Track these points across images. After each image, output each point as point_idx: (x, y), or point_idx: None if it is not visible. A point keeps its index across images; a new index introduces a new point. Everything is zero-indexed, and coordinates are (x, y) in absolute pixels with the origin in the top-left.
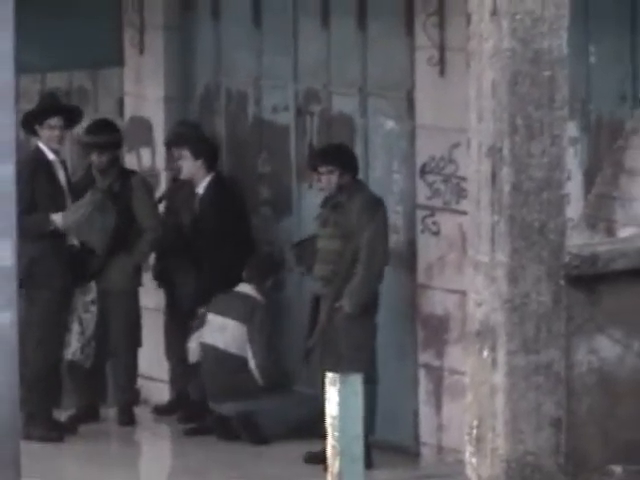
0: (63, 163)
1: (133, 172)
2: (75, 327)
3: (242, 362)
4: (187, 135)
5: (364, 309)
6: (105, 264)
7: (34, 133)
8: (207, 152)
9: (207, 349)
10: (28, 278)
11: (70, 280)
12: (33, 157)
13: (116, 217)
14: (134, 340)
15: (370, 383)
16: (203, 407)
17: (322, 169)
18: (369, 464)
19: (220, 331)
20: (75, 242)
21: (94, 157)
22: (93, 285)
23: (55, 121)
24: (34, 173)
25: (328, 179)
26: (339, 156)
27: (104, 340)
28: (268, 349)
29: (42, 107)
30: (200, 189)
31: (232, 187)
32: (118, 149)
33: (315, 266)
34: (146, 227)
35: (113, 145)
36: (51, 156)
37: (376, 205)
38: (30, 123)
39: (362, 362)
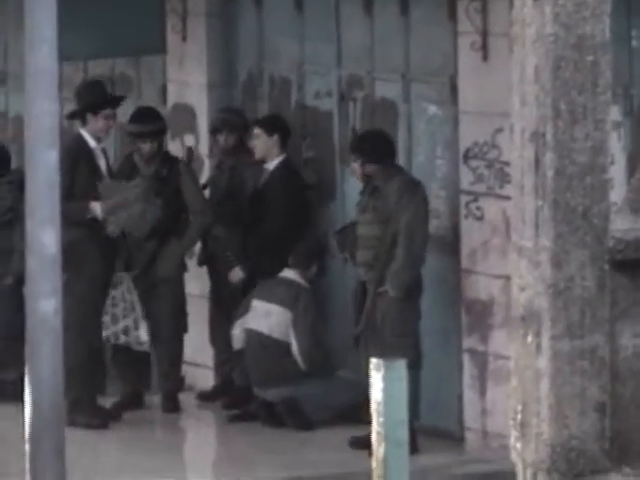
0: (104, 151)
1: (177, 158)
2: (113, 311)
3: (286, 347)
4: (231, 121)
5: (407, 293)
6: (154, 251)
7: (82, 121)
8: (281, 129)
9: (251, 335)
10: (65, 264)
11: (107, 267)
12: (75, 145)
13: (164, 204)
14: (179, 326)
15: (414, 368)
16: (247, 393)
17: (351, 157)
18: (414, 449)
19: (265, 317)
20: (113, 229)
21: (139, 145)
22: (124, 274)
23: (109, 111)
24: (76, 161)
25: (353, 167)
26: (362, 145)
27: (148, 326)
28: (311, 335)
29: (102, 98)
30: (270, 165)
31: (300, 174)
32: (162, 136)
33: (357, 252)
34: (195, 212)
35: (158, 133)
36: (93, 144)
37: (414, 188)
38: (84, 112)
39: (407, 347)
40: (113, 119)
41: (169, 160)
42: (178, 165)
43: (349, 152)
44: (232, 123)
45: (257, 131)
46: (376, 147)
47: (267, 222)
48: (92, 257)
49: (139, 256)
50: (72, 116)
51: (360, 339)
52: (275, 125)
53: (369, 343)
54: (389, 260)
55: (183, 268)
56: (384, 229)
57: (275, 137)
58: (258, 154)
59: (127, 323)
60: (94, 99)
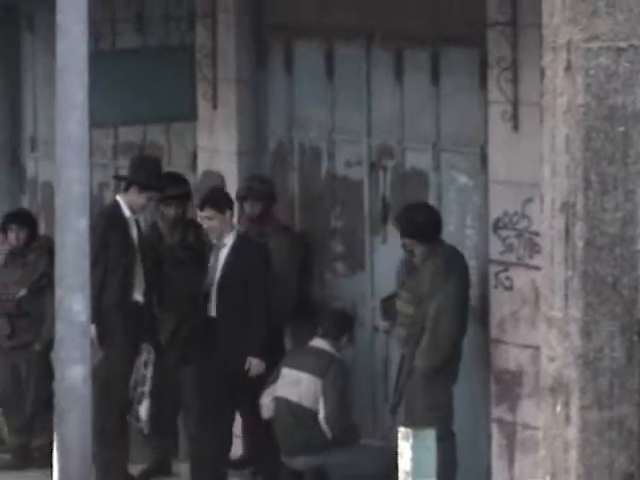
0: (137, 221)
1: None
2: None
3: (313, 416)
4: (257, 190)
5: (438, 371)
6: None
7: (125, 189)
8: (230, 203)
9: (281, 403)
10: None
11: (134, 335)
12: (110, 212)
13: (191, 271)
14: None
15: (449, 439)
16: (276, 462)
17: (404, 240)
18: None
19: (294, 385)
20: (140, 298)
21: (163, 210)
22: (145, 345)
23: (153, 194)
24: (109, 228)
25: (403, 242)
26: (401, 219)
27: (175, 395)
28: (340, 404)
29: (153, 181)
30: (228, 240)
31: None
32: (187, 202)
33: (396, 326)
34: None
35: (182, 197)
36: (127, 213)
37: (450, 267)
38: (129, 183)
39: (436, 421)
40: (155, 200)
41: (194, 226)
42: (203, 231)
43: (401, 233)
44: (258, 191)
45: (209, 213)
46: (415, 223)
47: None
48: (118, 327)
49: (164, 327)
50: (119, 178)
51: (398, 406)
52: (227, 201)
53: (405, 414)
54: (419, 341)
55: None
56: (417, 310)
57: (229, 213)
58: (217, 237)
59: (133, 396)
60: (146, 178)
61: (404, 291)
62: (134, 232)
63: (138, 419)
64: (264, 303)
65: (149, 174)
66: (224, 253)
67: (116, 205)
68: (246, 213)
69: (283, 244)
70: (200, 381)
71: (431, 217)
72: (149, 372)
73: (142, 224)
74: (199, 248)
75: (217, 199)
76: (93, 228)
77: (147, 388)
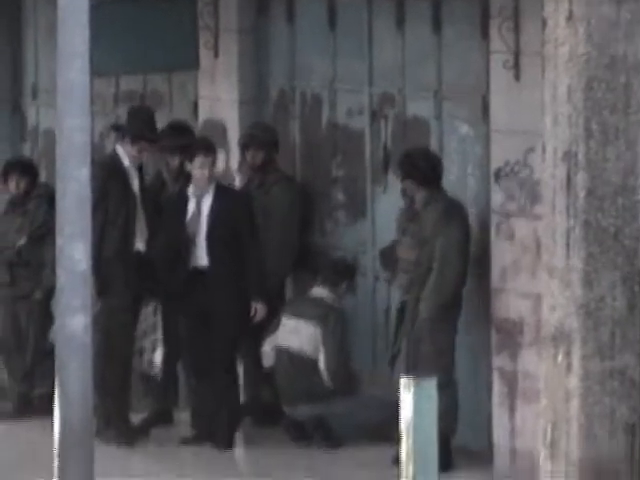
0: (139, 169)
1: None
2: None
3: (314, 364)
4: (259, 138)
5: (442, 314)
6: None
7: (122, 138)
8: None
9: (281, 352)
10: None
11: (135, 284)
12: (109, 162)
13: None
14: None
15: (451, 386)
16: (277, 410)
17: (405, 181)
18: (449, 466)
19: (294, 333)
20: (141, 247)
21: (168, 160)
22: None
23: (144, 144)
24: (108, 178)
25: (404, 187)
26: (404, 161)
27: (174, 344)
28: (340, 353)
29: (144, 131)
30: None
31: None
32: (187, 152)
33: (397, 275)
34: None
35: (186, 146)
36: (127, 162)
37: (451, 214)
38: (123, 135)
39: (443, 366)
40: (148, 150)
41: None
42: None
43: (401, 174)
44: (260, 139)
45: (205, 160)
46: (418, 168)
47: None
48: (120, 277)
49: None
50: (116, 128)
51: (397, 358)
52: (214, 149)
53: (405, 362)
54: (424, 284)
55: None
56: (421, 253)
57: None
58: (203, 186)
59: (144, 344)
60: (137, 129)
61: (406, 237)
62: (135, 181)
63: (152, 366)
64: (259, 248)
65: (141, 125)
66: (207, 203)
67: (115, 155)
68: (248, 161)
69: (285, 194)
70: (194, 333)
71: (432, 162)
72: (159, 319)
73: (147, 173)
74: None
75: (210, 147)
76: (93, 177)
77: (159, 335)
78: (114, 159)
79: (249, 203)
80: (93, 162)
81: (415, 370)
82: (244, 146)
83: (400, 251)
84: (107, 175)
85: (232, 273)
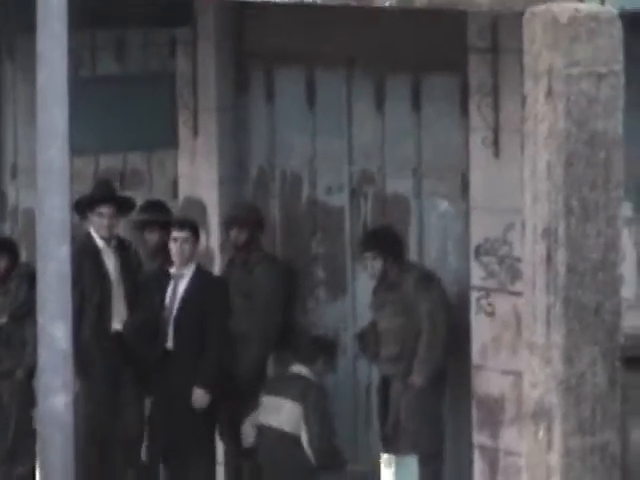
0: (116, 249)
1: None
2: None
3: (296, 440)
4: (242, 218)
5: (432, 382)
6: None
7: (86, 218)
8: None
9: (263, 430)
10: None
11: (114, 366)
12: (81, 245)
13: None
14: None
15: (438, 460)
16: None
17: (366, 254)
18: None
19: (275, 411)
20: (119, 327)
21: (146, 236)
22: None
23: (105, 209)
24: (81, 258)
25: (372, 264)
26: (380, 242)
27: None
28: (322, 429)
29: (93, 195)
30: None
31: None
32: (169, 229)
33: (382, 349)
34: None
35: (164, 225)
36: (100, 243)
37: (429, 277)
38: (82, 209)
39: (429, 438)
40: (109, 218)
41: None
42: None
43: (362, 248)
44: (244, 219)
45: (186, 234)
46: (393, 242)
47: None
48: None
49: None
50: (75, 210)
51: (388, 439)
52: (198, 228)
53: (394, 435)
54: (415, 350)
55: None
56: (406, 319)
57: (197, 241)
58: (181, 263)
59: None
60: (89, 196)
61: (387, 307)
62: (110, 261)
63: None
64: (219, 337)
65: (92, 191)
66: (183, 284)
67: (88, 235)
68: (231, 241)
69: (269, 273)
70: (159, 415)
71: (397, 236)
72: None
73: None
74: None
75: (184, 222)
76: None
77: None
78: (86, 239)
79: (224, 291)
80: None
81: (404, 442)
82: (227, 225)
83: (382, 324)
84: (80, 256)
85: (196, 356)
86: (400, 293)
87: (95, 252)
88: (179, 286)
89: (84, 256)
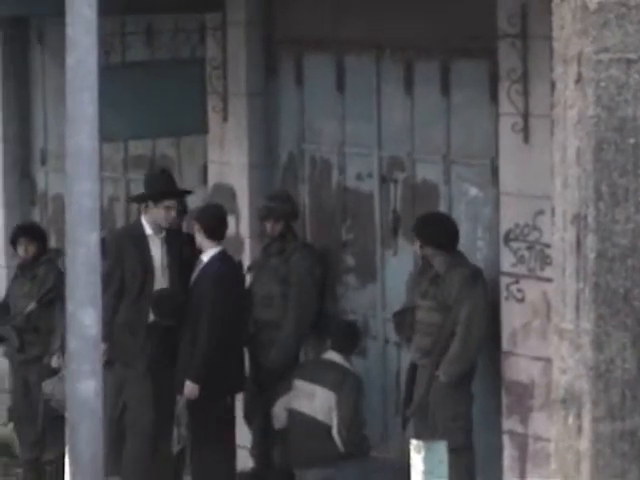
0: (165, 239)
1: None
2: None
3: (327, 429)
4: (276, 210)
5: (460, 380)
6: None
7: (145, 208)
8: (210, 221)
9: (294, 415)
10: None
11: (154, 357)
12: (128, 230)
13: (184, 286)
14: None
15: (467, 453)
16: (287, 474)
17: (416, 239)
18: None
19: (308, 398)
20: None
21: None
22: None
23: (172, 202)
24: (125, 246)
25: (415, 247)
26: (421, 227)
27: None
28: (354, 418)
29: (160, 188)
30: (205, 258)
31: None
32: (184, 215)
33: (415, 337)
34: None
35: (181, 212)
36: (149, 231)
37: (475, 279)
38: (144, 200)
39: (458, 432)
40: (175, 210)
41: (190, 241)
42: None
43: (413, 232)
44: (277, 211)
45: (195, 224)
46: (438, 233)
47: (199, 324)
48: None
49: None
50: (135, 200)
51: (409, 421)
52: (201, 216)
53: (420, 427)
54: (446, 348)
55: None
56: (444, 317)
57: (198, 227)
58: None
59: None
60: (158, 189)
61: (427, 300)
62: (156, 250)
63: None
64: (209, 328)
65: (160, 185)
66: (197, 270)
67: (138, 223)
68: (267, 232)
69: (304, 262)
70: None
71: (451, 226)
72: None
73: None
74: (193, 261)
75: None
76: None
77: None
78: (134, 227)
79: (222, 281)
80: (103, 226)
81: (432, 434)
82: (263, 218)
83: (420, 314)
84: (124, 241)
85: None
86: (443, 289)
87: (142, 239)
88: (197, 268)
89: (129, 242)
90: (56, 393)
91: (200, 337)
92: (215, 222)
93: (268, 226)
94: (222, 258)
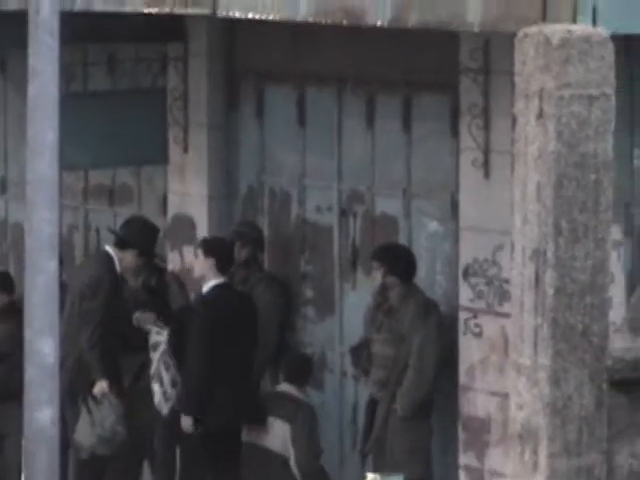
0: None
1: (165, 269)
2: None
3: (284, 461)
4: (245, 234)
5: (417, 412)
6: (143, 364)
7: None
8: (218, 253)
9: (249, 448)
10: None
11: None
12: (108, 270)
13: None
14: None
15: None
16: None
17: (373, 263)
18: None
19: (264, 430)
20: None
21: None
22: None
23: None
24: (110, 288)
25: (375, 275)
26: (386, 255)
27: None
28: (309, 449)
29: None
30: (205, 288)
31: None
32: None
33: (371, 370)
34: None
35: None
36: (119, 268)
37: (428, 309)
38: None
39: (417, 464)
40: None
41: (157, 270)
42: (165, 276)
43: (372, 256)
44: (246, 236)
45: (198, 250)
46: (400, 261)
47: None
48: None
49: (129, 368)
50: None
51: (367, 457)
52: (213, 248)
53: (378, 462)
54: (401, 380)
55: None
56: (398, 349)
57: (210, 261)
58: (195, 273)
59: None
60: (147, 244)
61: (382, 332)
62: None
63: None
64: (192, 359)
65: (150, 240)
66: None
67: (110, 260)
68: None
69: (267, 292)
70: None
71: (411, 257)
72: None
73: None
74: (160, 291)
75: (207, 243)
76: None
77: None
78: (110, 266)
79: (205, 311)
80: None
81: (391, 468)
82: (230, 242)
83: (375, 347)
84: (110, 283)
85: None
86: (397, 321)
87: (116, 278)
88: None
89: (112, 282)
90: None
91: (187, 367)
92: (226, 256)
93: (235, 250)
94: (222, 289)
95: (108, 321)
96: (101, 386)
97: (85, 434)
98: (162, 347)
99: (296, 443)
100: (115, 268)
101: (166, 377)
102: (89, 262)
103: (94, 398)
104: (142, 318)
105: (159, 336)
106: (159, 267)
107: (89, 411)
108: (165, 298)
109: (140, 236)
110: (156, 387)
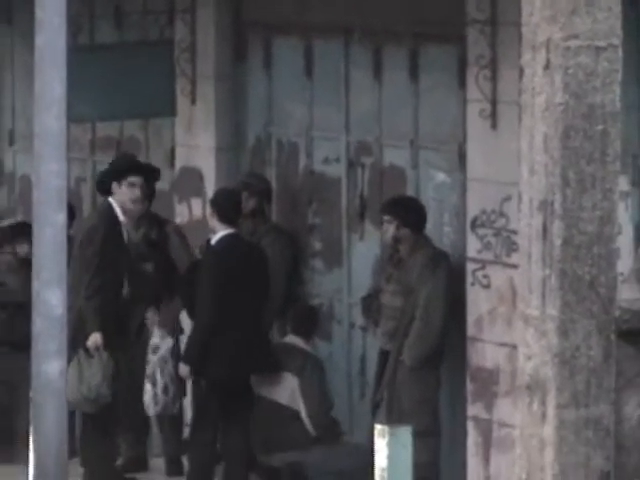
0: (138, 222)
1: (166, 221)
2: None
3: (294, 413)
4: (252, 185)
5: (424, 363)
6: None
7: (108, 192)
8: (220, 206)
9: (259, 401)
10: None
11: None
12: (106, 219)
13: (155, 268)
14: (179, 391)
15: (434, 437)
16: (252, 457)
17: (384, 217)
18: None
19: (272, 383)
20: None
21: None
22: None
23: (136, 179)
24: (106, 236)
25: (386, 228)
26: (398, 208)
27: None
28: (320, 401)
29: (122, 165)
30: (213, 240)
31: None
32: (153, 197)
33: (380, 321)
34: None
35: (150, 193)
36: (122, 217)
37: (437, 261)
38: (106, 182)
39: (425, 415)
40: (141, 188)
41: (158, 222)
42: (165, 228)
43: (381, 211)
44: (253, 187)
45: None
46: (412, 213)
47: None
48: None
49: (132, 322)
50: (100, 190)
51: (379, 406)
52: (218, 199)
53: (388, 410)
54: (408, 331)
55: (180, 331)
56: (406, 301)
57: (217, 211)
58: (209, 226)
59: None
60: (117, 167)
61: (391, 284)
62: (126, 236)
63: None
64: (201, 309)
65: (119, 164)
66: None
67: (110, 210)
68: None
69: (274, 244)
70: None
71: (421, 209)
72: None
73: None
74: (161, 243)
75: (214, 194)
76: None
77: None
78: (110, 215)
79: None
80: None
81: (399, 418)
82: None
83: (384, 298)
84: (105, 233)
85: None
86: (406, 273)
87: (118, 226)
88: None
89: (109, 231)
90: None
91: (196, 317)
92: (228, 206)
93: (242, 199)
94: (230, 239)
95: (108, 272)
96: (95, 338)
97: (72, 389)
98: (161, 352)
99: (307, 397)
100: (115, 217)
101: (160, 382)
102: (92, 214)
103: (87, 351)
104: (151, 319)
105: (161, 340)
106: (160, 219)
107: (79, 364)
108: (166, 250)
109: (117, 164)
110: (148, 387)
